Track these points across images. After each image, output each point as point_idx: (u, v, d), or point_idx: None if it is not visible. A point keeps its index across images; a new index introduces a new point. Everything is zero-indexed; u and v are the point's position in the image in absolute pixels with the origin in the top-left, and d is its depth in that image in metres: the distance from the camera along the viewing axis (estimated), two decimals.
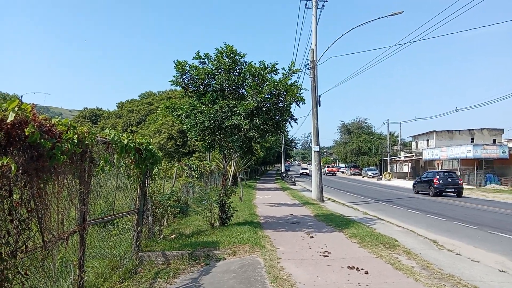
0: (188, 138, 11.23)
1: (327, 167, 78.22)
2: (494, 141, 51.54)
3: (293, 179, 40.80)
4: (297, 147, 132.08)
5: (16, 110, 3.52)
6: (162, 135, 39.99)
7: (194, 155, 38.18)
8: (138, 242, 7.22)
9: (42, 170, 4.03)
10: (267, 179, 56.64)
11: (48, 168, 4.12)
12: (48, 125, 4.11)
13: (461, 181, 26.88)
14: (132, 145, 6.27)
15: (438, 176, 25.76)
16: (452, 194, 25.49)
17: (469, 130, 53.90)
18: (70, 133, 4.46)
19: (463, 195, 25.50)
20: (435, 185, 25.27)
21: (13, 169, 3.36)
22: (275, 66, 11.03)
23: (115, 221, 7.87)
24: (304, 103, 11.26)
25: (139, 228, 7.24)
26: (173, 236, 9.30)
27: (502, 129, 54.56)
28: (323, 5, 22.73)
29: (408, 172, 59.01)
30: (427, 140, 56.94)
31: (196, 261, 7.29)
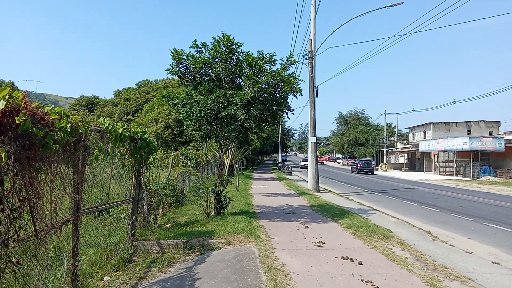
0: (185, 128, 11.16)
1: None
2: (490, 133, 51.65)
3: (289, 169, 40.92)
4: (294, 138, 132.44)
5: (7, 98, 3.47)
6: (159, 124, 39.86)
7: (191, 144, 38.14)
8: (133, 231, 7.22)
9: (34, 159, 4.00)
10: (263, 169, 56.71)
11: (40, 157, 4.09)
12: (40, 114, 4.06)
13: (373, 165, 46.89)
14: (127, 134, 6.24)
15: (360, 163, 45.85)
16: (367, 172, 44.17)
17: (466, 122, 53.94)
18: (63, 121, 4.41)
19: (460, 186, 26.80)
20: (358, 167, 44.90)
21: (3, 158, 3.33)
22: (274, 56, 10.95)
23: (110, 210, 7.86)
24: (302, 94, 11.20)
25: (134, 217, 7.23)
26: (168, 225, 9.31)
27: (499, 122, 54.63)
28: None
29: (405, 163, 59.17)
30: (424, 132, 56.98)
31: (191, 250, 7.31)
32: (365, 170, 44.26)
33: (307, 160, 55.39)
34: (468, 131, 52.70)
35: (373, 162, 48.42)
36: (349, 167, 60.13)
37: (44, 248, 4.42)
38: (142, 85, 70.85)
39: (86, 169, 5.38)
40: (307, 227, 9.62)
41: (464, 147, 37.80)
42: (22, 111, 3.68)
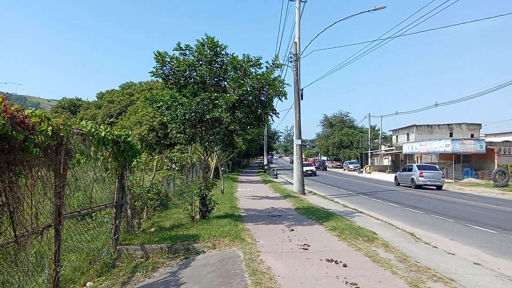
0: (169, 130, 11.09)
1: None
2: (472, 135, 52.62)
3: (275, 172, 40.97)
4: (280, 140, 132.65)
5: None
6: (143, 127, 39.49)
7: (175, 147, 37.87)
8: (117, 235, 7.13)
9: (14, 163, 3.92)
10: (249, 171, 56.68)
11: (20, 160, 4.01)
12: (20, 117, 3.99)
13: (326, 164, 60.83)
14: (110, 138, 6.16)
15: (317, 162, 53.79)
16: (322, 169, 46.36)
17: (448, 124, 54.87)
18: (44, 125, 4.33)
19: (443, 188, 27.22)
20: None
21: None
22: (259, 60, 10.97)
23: (93, 214, 7.74)
24: (286, 98, 11.24)
25: (117, 222, 7.14)
26: (152, 229, 9.22)
27: (480, 124, 55.71)
28: None
29: (389, 165, 59.87)
30: (407, 134, 57.77)
31: (176, 255, 7.25)
32: (321, 168, 59.77)
33: (310, 165, 49.37)
34: (450, 133, 53.59)
35: (326, 162, 67.76)
36: (344, 170, 62.71)
37: (24, 254, 4.34)
38: (126, 87, 70.04)
39: (68, 173, 5.30)
40: (293, 230, 9.64)
41: (446, 149, 38.44)
42: (1, 114, 3.60)
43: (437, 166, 29.48)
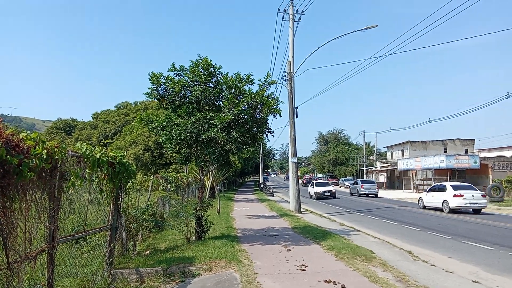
0: (165, 150, 11.07)
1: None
2: (466, 151, 52.93)
3: (271, 190, 40.83)
4: (275, 158, 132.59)
5: None
6: (138, 146, 39.37)
7: (171, 166, 37.71)
8: (111, 259, 7.02)
9: (8, 188, 3.87)
10: (245, 190, 56.45)
11: (14, 184, 3.97)
12: (15, 140, 3.96)
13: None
14: (105, 159, 6.13)
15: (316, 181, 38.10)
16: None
17: (442, 140, 55.25)
18: (39, 148, 4.31)
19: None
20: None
21: None
22: (251, 77, 11.05)
23: (87, 237, 7.63)
24: (281, 115, 11.29)
25: (112, 245, 7.04)
26: (147, 252, 9.10)
27: (474, 140, 56.18)
28: (299, 18, 23.04)
29: (384, 182, 59.85)
30: (402, 151, 58.01)
31: (171, 278, 7.14)
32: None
33: (326, 184, 36.82)
34: (444, 149, 53.89)
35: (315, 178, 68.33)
36: (340, 187, 60.69)
37: (17, 280, 4.25)
38: (122, 107, 70.12)
39: (62, 196, 5.24)
40: (290, 250, 9.55)
41: (441, 165, 38.60)
42: None
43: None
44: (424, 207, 23.96)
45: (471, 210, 21.24)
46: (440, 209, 22.00)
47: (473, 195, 20.81)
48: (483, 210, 21.35)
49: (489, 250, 10.48)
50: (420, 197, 25.28)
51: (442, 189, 22.51)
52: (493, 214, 21.26)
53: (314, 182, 37.81)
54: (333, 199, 32.62)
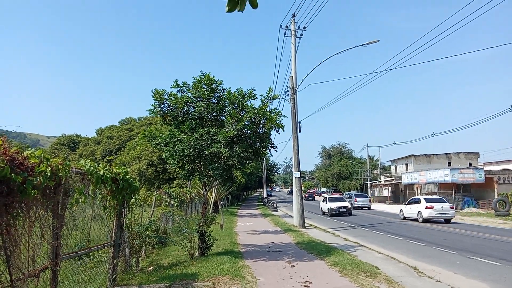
0: (168, 166, 11.11)
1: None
2: (470, 164, 52.70)
3: (275, 205, 40.67)
4: (279, 172, 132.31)
5: None
6: (142, 162, 39.50)
7: (174, 181, 37.74)
8: (114, 275, 6.99)
9: (12, 205, 3.90)
10: (249, 204, 56.24)
11: (18, 202, 3.99)
12: (20, 158, 4.00)
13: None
14: (108, 176, 6.15)
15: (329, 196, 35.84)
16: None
17: (446, 154, 55.05)
18: (43, 165, 4.34)
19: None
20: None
21: None
22: (253, 92, 11.14)
23: (90, 253, 7.61)
24: (284, 130, 11.34)
25: (115, 261, 7.02)
26: (150, 268, 9.05)
27: (478, 153, 55.95)
28: (301, 34, 23.30)
29: (389, 196, 59.51)
30: (406, 164, 57.80)
31: None
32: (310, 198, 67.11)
33: (341, 199, 33.46)
34: (448, 162, 53.66)
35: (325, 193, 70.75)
36: None
37: None
38: (125, 123, 70.59)
39: (66, 213, 5.26)
40: (293, 266, 9.48)
41: (445, 179, 38.38)
42: (1, 157, 3.62)
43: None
44: (404, 218, 26.80)
45: (442, 220, 24.32)
46: (416, 219, 24.91)
47: (442, 207, 23.95)
48: (485, 224, 23.29)
49: (495, 266, 10.35)
50: (401, 209, 28.16)
51: (417, 201, 25.68)
52: (499, 228, 21.05)
53: (327, 197, 34.22)
54: (348, 216, 29.93)
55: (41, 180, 4.24)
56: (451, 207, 24.64)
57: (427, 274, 8.88)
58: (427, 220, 23.89)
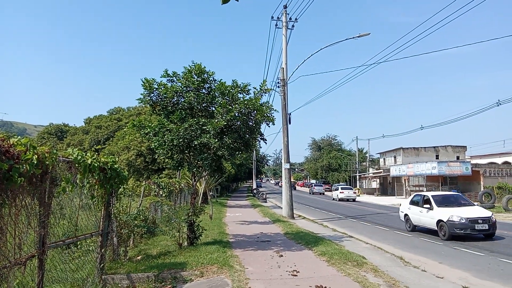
0: (157, 156, 11.05)
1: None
2: (457, 157, 53.35)
3: (264, 196, 40.80)
4: (269, 164, 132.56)
5: None
6: (131, 152, 39.23)
7: (164, 172, 37.62)
8: (102, 264, 6.98)
9: None
10: (238, 195, 56.34)
11: (4, 190, 3.96)
12: (5, 146, 3.96)
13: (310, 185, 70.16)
14: (96, 165, 6.11)
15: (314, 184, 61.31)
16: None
17: (434, 147, 55.62)
18: (29, 153, 4.30)
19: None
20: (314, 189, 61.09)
21: None
22: (247, 86, 11.09)
23: (78, 243, 7.58)
24: (274, 123, 11.35)
25: (103, 250, 7.00)
26: (139, 258, 9.06)
27: (465, 146, 56.61)
28: (293, 26, 23.19)
29: (377, 188, 60.13)
30: (395, 157, 58.32)
31: (163, 284, 7.11)
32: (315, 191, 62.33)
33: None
34: (436, 155, 54.25)
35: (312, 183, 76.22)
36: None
37: (6, 286, 4.22)
38: (114, 113, 69.83)
39: (53, 201, 5.23)
40: (282, 256, 9.56)
41: (433, 172, 38.87)
42: None
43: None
44: (340, 200, 41.14)
45: (351, 199, 41.22)
46: (335, 199, 42.54)
47: (348, 192, 41.81)
48: None
49: (479, 256, 10.56)
50: (333, 193, 44.72)
51: (337, 189, 43.99)
52: None
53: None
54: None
55: (28, 168, 4.20)
56: (354, 192, 42.82)
57: (413, 264, 9.03)
58: (341, 199, 40.45)
